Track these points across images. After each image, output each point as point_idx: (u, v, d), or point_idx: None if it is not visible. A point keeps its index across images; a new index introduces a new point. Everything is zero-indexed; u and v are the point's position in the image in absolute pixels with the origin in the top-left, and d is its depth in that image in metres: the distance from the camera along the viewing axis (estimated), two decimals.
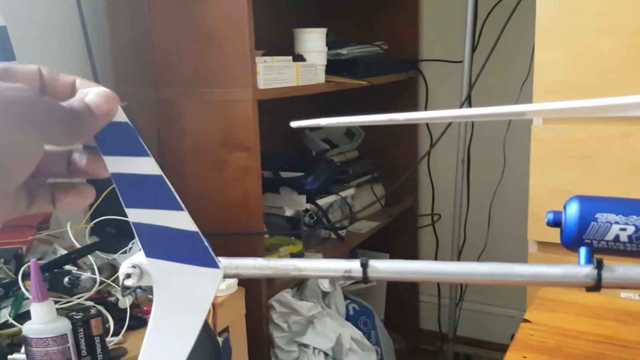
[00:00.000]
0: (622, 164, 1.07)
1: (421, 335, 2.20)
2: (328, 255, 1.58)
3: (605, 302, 0.72)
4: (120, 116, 0.35)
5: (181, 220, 0.36)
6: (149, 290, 0.38)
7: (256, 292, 1.28)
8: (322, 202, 1.65)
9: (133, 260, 0.38)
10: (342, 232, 1.70)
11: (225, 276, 0.39)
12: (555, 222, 0.38)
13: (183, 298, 0.38)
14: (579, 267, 0.36)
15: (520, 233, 1.26)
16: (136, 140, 0.35)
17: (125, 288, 0.39)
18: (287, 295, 1.42)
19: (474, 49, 1.72)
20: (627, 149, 1.06)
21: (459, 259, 1.96)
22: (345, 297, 1.67)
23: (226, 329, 1.10)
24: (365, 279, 0.40)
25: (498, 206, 1.97)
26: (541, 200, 1.17)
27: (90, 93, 0.34)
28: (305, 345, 1.44)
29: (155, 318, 0.37)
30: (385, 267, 0.40)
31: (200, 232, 0.37)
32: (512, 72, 1.77)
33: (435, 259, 2.10)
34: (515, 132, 1.85)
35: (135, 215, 0.36)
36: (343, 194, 1.76)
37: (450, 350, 1.92)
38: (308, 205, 1.60)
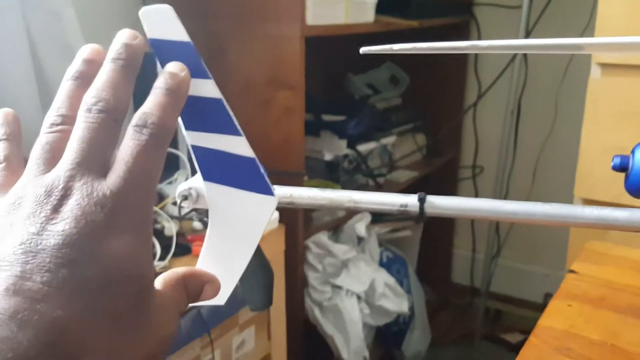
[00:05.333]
0: None
1: (452, 289, 2.21)
2: None
3: None
4: (182, 35, 0.33)
5: (239, 145, 0.36)
6: (204, 213, 0.38)
7: (293, 232, 1.29)
8: (362, 148, 1.64)
9: (190, 182, 0.38)
10: (381, 180, 1.69)
11: (280, 204, 0.39)
12: (622, 167, 0.36)
13: (237, 223, 0.37)
14: None
15: (566, 190, 1.23)
16: (198, 62, 0.34)
17: (181, 209, 0.39)
18: (323, 237, 1.43)
19: None
20: None
21: None
22: (380, 245, 1.67)
23: None
24: (422, 214, 0.39)
25: (545, 161, 1.91)
26: (591, 157, 1.12)
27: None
28: (339, 287, 1.46)
29: (209, 242, 0.37)
30: (443, 203, 0.39)
31: (256, 159, 0.36)
32: (572, 20, 1.68)
33: None
34: (569, 85, 1.78)
35: (194, 138, 0.36)
36: (384, 141, 1.74)
37: (482, 306, 1.91)
38: (348, 151, 1.59)
